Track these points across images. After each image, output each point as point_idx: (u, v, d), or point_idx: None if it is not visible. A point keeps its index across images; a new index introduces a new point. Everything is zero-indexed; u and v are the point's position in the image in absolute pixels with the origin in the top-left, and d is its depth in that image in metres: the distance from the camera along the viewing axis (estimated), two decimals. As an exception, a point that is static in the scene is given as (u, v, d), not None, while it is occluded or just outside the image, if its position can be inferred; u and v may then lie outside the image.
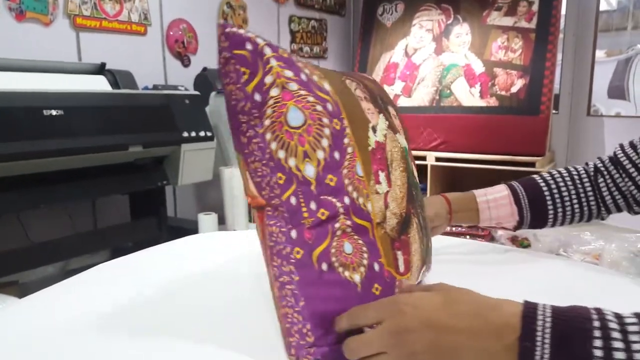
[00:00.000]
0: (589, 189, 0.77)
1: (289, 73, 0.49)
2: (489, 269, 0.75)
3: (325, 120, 0.50)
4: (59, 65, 1.89)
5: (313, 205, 0.48)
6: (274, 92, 0.48)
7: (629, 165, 0.73)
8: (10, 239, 1.79)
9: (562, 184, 0.77)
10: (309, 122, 0.49)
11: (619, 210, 0.77)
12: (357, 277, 0.48)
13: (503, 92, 2.59)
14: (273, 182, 0.48)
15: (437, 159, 2.69)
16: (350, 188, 0.50)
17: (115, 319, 0.58)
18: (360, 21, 3.25)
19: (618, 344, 0.34)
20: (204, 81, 2.43)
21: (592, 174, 0.77)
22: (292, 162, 0.48)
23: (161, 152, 1.96)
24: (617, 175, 0.75)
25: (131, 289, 0.68)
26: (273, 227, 0.49)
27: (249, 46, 0.48)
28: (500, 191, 0.78)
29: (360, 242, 0.50)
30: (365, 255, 0.50)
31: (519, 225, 0.78)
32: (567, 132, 3.05)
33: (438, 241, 0.89)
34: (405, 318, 0.41)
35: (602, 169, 0.77)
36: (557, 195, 0.76)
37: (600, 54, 3.00)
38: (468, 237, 1.60)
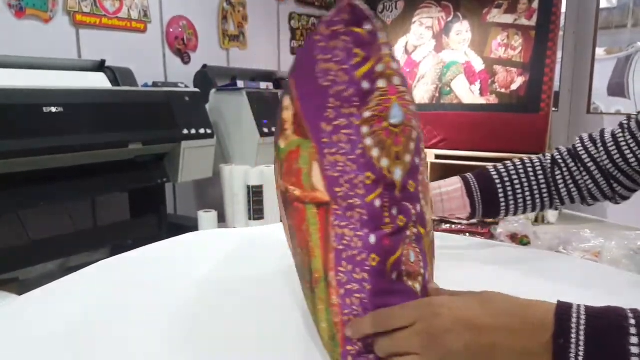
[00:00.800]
0: (542, 180, 0.78)
1: (395, 65, 0.44)
2: (488, 267, 0.75)
3: (414, 123, 0.46)
4: (59, 62, 1.89)
5: (394, 211, 0.44)
6: (382, 83, 0.43)
7: (587, 159, 0.74)
8: (10, 237, 1.79)
9: (514, 175, 0.78)
10: (405, 122, 0.44)
11: (573, 202, 0.78)
12: (418, 287, 0.46)
13: (503, 90, 2.59)
14: (358, 180, 0.43)
15: (437, 157, 2.69)
16: (421, 195, 0.47)
17: (114, 316, 0.58)
18: (360, 18, 3.23)
19: None
20: (204, 78, 2.43)
21: (548, 165, 0.78)
22: (384, 162, 0.43)
23: (161, 149, 1.96)
24: (574, 168, 0.76)
25: (130, 285, 0.67)
26: (345, 230, 0.44)
27: (368, 26, 0.43)
28: (454, 184, 0.79)
29: (417, 250, 0.47)
30: (421, 264, 0.47)
31: (471, 217, 0.80)
32: (567, 130, 3.05)
33: (438, 238, 0.89)
34: (440, 319, 0.40)
35: (560, 160, 0.77)
36: (509, 187, 0.78)
37: (600, 51, 2.99)
38: (467, 234, 1.60)
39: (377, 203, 0.44)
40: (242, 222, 2.17)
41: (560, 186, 0.76)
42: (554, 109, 2.78)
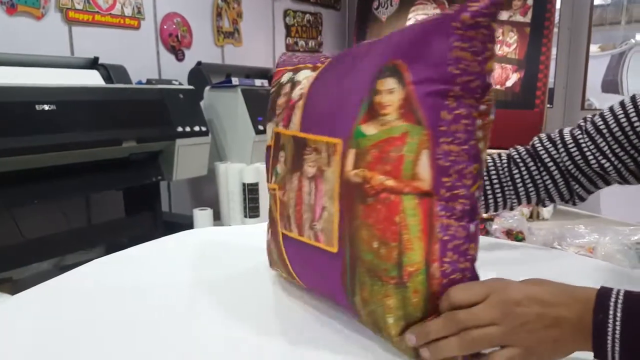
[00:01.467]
0: (495, 181, 0.76)
1: None
2: (484, 263, 0.75)
3: None
4: (51, 60, 1.87)
5: (481, 202, 0.47)
6: (489, 78, 0.45)
7: (547, 159, 0.73)
8: (3, 236, 1.78)
9: None
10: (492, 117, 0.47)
11: (529, 202, 0.77)
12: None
13: (498, 86, 2.59)
14: (467, 171, 0.44)
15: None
16: None
17: (108, 314, 0.58)
18: (356, 15, 3.24)
19: None
20: (199, 75, 2.42)
21: (504, 165, 0.77)
22: (484, 154, 0.46)
23: (155, 147, 1.95)
24: (533, 168, 0.75)
25: (124, 284, 0.67)
26: (451, 220, 0.44)
27: (496, 23, 0.44)
28: None
29: None
30: None
31: None
32: (562, 126, 3.05)
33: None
34: (512, 292, 0.44)
35: (519, 160, 0.76)
36: None
37: (594, 48, 3.00)
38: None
39: (477, 194, 0.46)
40: (238, 219, 2.16)
41: (519, 185, 0.75)
42: (548, 105, 2.78)
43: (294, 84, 0.60)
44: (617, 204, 3.17)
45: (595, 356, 0.42)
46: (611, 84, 3.21)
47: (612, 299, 0.42)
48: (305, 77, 0.59)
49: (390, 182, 0.45)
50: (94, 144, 1.67)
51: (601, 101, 3.29)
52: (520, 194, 0.76)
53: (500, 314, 0.43)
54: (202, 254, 0.80)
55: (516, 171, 0.75)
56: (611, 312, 0.41)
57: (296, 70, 0.62)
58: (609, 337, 0.41)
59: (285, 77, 0.63)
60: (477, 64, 0.43)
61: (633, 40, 3.22)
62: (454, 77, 0.43)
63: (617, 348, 0.40)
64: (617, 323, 0.40)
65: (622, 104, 0.67)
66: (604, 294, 0.42)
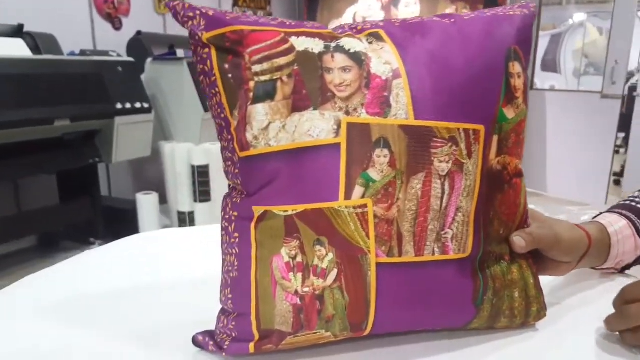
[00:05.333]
0: None
1: None
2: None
3: None
4: (-33, 26, 1.67)
5: None
6: None
7: None
8: None
9: None
10: None
11: None
12: None
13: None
14: None
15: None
16: None
17: (48, 331, 0.48)
18: (306, -14, 3.12)
19: None
20: (139, 46, 2.27)
21: None
22: None
23: (92, 125, 1.83)
24: None
25: (67, 300, 0.57)
26: None
27: None
28: (618, 220, 0.61)
29: None
30: None
31: (634, 262, 0.63)
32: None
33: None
34: None
35: None
36: None
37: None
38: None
39: None
40: (187, 204, 2.05)
41: None
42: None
43: (353, 56, 0.43)
44: (563, 183, 3.30)
45: None
46: (550, 63, 3.31)
47: None
48: (369, 48, 0.44)
49: (520, 165, 0.47)
50: (21, 124, 1.53)
51: (542, 80, 3.40)
52: None
53: None
54: (156, 263, 0.70)
55: None
56: None
57: (309, 35, 0.43)
58: None
59: (303, 44, 0.43)
60: None
61: (571, 21, 3.32)
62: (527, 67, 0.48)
63: None
64: None
65: None
66: None
